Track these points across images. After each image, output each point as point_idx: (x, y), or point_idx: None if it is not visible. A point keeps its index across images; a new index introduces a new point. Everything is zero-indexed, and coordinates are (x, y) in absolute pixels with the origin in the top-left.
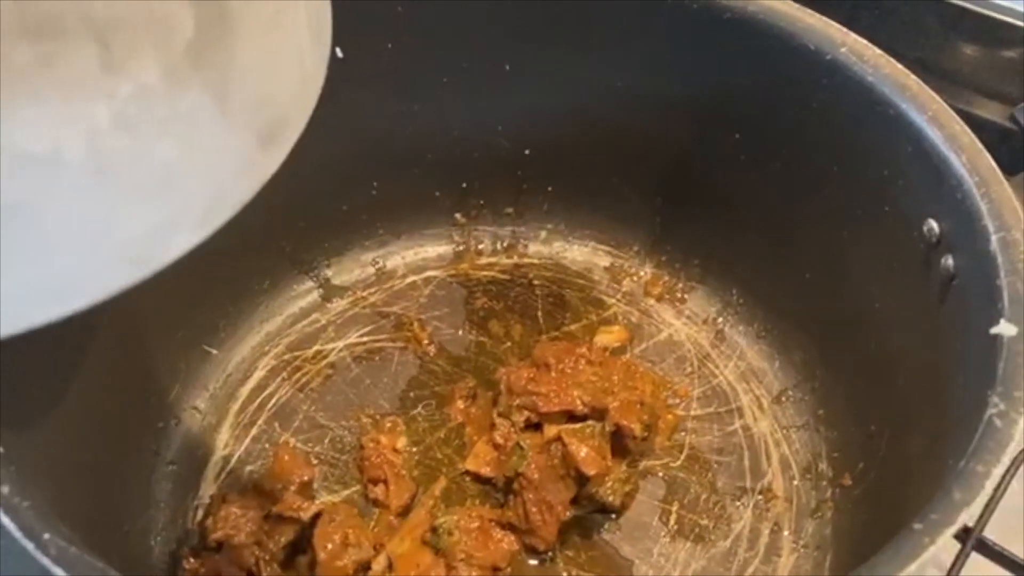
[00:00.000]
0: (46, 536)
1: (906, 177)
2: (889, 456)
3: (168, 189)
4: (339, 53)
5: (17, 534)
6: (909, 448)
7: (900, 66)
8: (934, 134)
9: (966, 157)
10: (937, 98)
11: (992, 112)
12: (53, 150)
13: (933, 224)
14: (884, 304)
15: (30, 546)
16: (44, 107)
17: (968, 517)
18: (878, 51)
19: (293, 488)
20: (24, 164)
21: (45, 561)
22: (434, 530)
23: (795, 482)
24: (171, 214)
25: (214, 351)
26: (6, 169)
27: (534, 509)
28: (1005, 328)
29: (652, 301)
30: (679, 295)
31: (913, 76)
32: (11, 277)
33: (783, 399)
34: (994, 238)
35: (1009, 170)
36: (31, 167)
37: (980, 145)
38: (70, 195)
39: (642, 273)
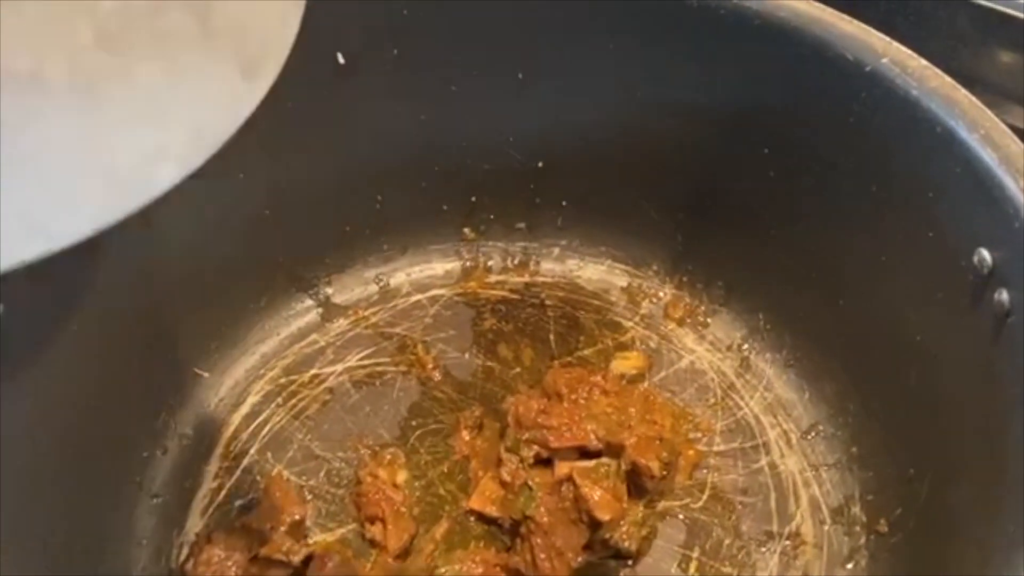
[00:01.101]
0: None
1: (954, 201)
2: (931, 503)
3: (153, 116)
4: (340, 59)
5: None
6: (955, 497)
7: (948, 79)
8: (987, 155)
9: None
10: (990, 114)
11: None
12: (35, 68)
13: (985, 254)
14: (927, 337)
15: None
16: (25, 21)
17: None
18: (924, 62)
19: (284, 528)
20: (5, 82)
21: None
22: None
23: (826, 527)
24: (156, 143)
25: (205, 374)
26: None
27: (543, 555)
28: None
29: (672, 325)
30: (701, 319)
31: (963, 90)
32: None
33: (813, 434)
34: None
35: None
36: (13, 86)
37: None
38: (53, 117)
39: (662, 294)
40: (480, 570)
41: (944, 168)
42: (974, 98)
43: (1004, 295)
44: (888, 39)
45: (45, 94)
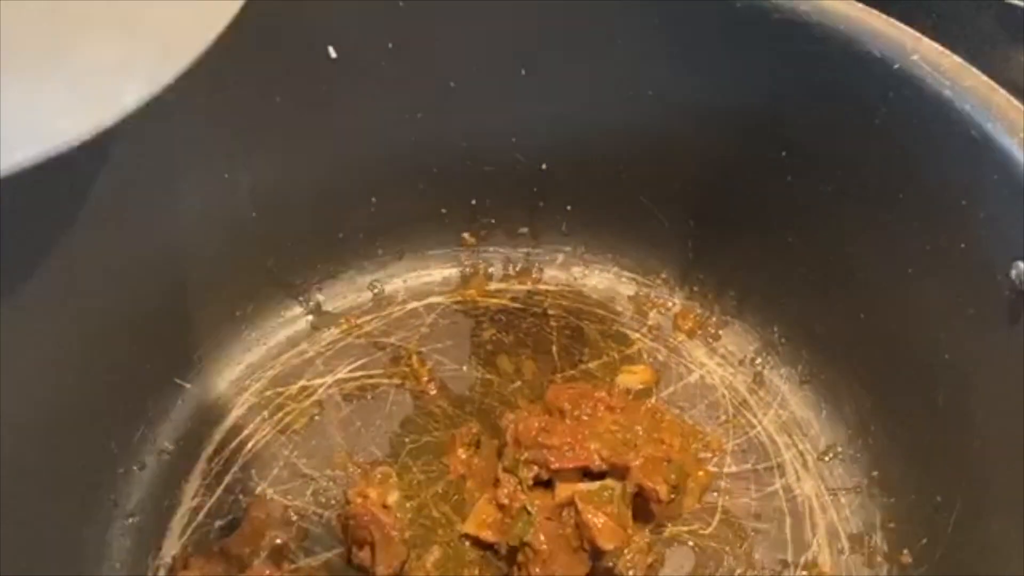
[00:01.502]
0: None
1: (990, 210)
2: (959, 534)
3: (117, 28)
4: (332, 53)
5: None
6: (987, 529)
7: (984, 78)
8: None
9: None
10: None
11: None
12: None
13: (1023, 267)
14: (956, 355)
15: None
16: None
17: None
18: (958, 60)
19: (265, 553)
20: None
21: None
22: None
23: (844, 556)
24: (122, 57)
25: (187, 385)
26: None
27: None
28: None
29: (682, 337)
30: (712, 331)
31: (1001, 91)
32: None
33: (831, 456)
34: None
35: None
36: None
37: None
38: (21, 16)
39: (671, 304)
40: None
41: (979, 174)
42: (1013, 99)
43: None
44: (919, 35)
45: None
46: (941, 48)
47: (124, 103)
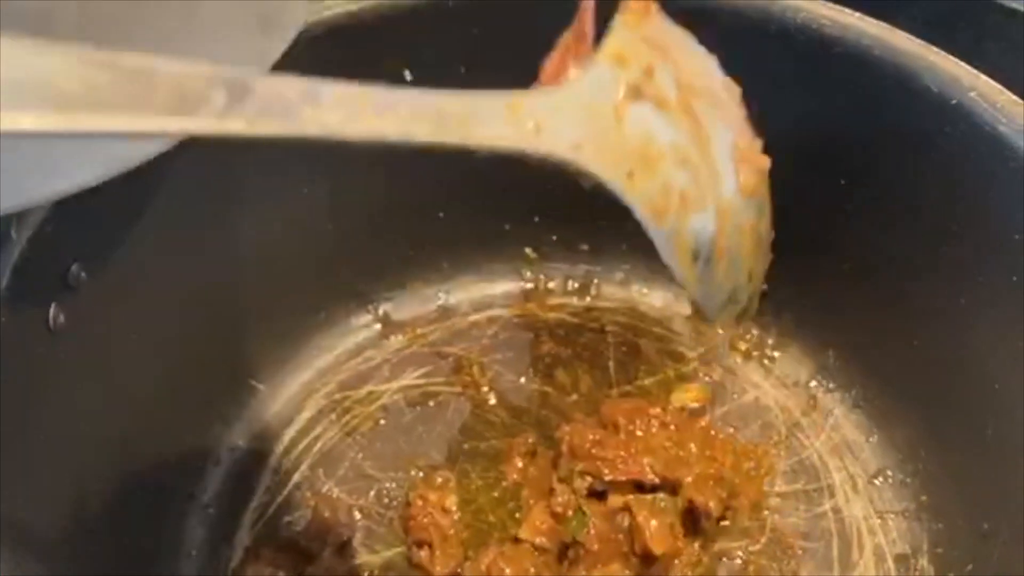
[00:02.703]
0: None
1: None
2: (1007, 561)
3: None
4: (408, 76)
5: None
6: None
7: None
8: None
9: None
10: None
11: None
12: (45, 9)
13: None
14: (1007, 385)
15: None
16: None
17: None
18: (1013, 97)
19: (330, 548)
20: (12, 20)
21: None
22: None
23: None
24: None
25: (261, 386)
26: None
27: None
28: None
29: (738, 358)
30: (768, 353)
31: None
32: (10, 148)
33: (881, 480)
34: None
35: None
36: (20, 24)
37: None
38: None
39: (728, 326)
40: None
41: None
42: None
43: None
44: (976, 72)
45: (51, 36)
46: (997, 85)
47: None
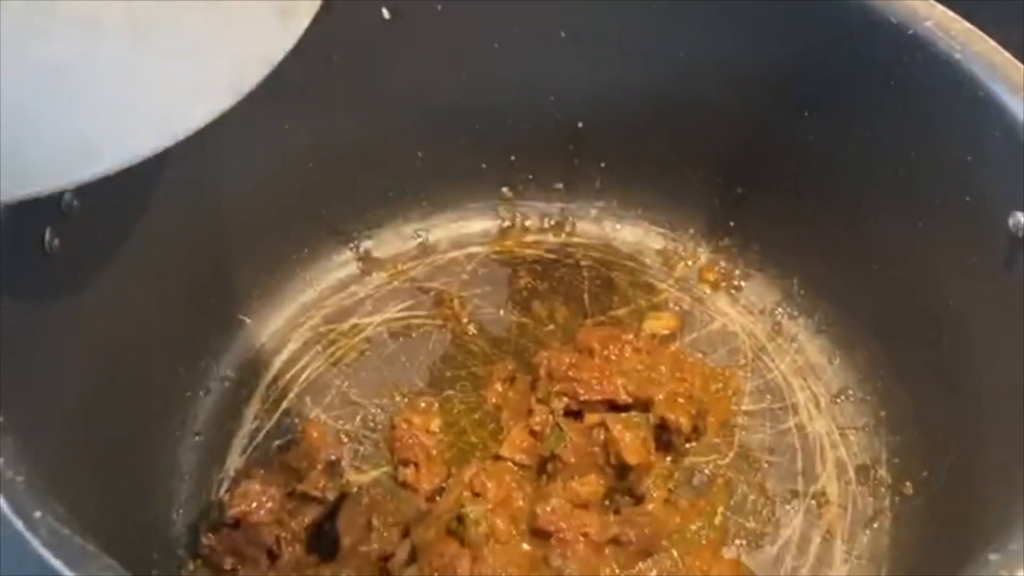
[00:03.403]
0: (37, 514)
1: (992, 165)
2: (957, 468)
3: (195, 57)
4: (386, 14)
5: (6, 511)
6: (982, 461)
7: (992, 42)
8: None
9: None
10: None
11: None
12: (93, 11)
13: (1020, 217)
14: (960, 303)
15: (19, 524)
16: None
17: None
18: (968, 25)
19: (320, 467)
20: (68, 27)
21: (34, 542)
22: (460, 519)
23: (851, 487)
24: (197, 81)
25: (247, 320)
26: (50, 28)
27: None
28: None
29: (707, 288)
30: (736, 283)
31: (1007, 54)
32: (50, 135)
33: (842, 398)
34: None
35: None
36: (74, 30)
37: None
38: (107, 57)
39: (697, 258)
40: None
41: (984, 132)
42: (1017, 62)
43: None
44: (932, 2)
45: (101, 36)
46: (953, 15)
47: (196, 121)
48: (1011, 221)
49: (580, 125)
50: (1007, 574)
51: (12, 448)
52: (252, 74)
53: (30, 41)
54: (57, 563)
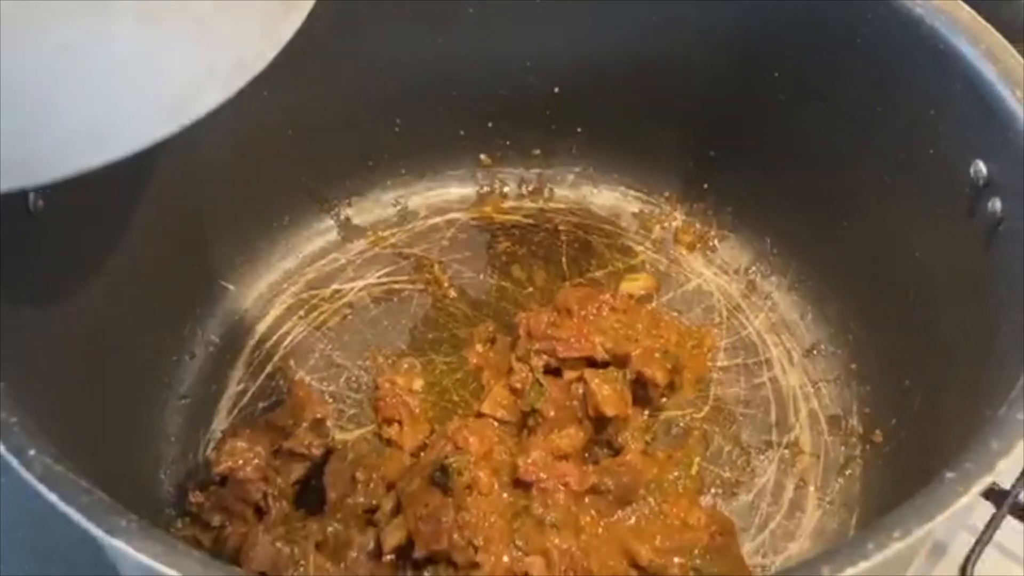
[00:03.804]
0: (31, 452)
1: (954, 116)
2: (923, 412)
3: (201, 42)
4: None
5: (3, 451)
6: (944, 404)
7: None
8: (987, 69)
9: (1021, 93)
10: (992, 30)
11: None
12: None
13: (981, 166)
14: (925, 252)
15: (14, 462)
16: None
17: (1007, 479)
18: None
19: (306, 425)
20: (77, 11)
21: (30, 479)
22: (444, 470)
23: (823, 437)
24: (204, 68)
25: (231, 287)
26: (62, 8)
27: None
28: None
29: (682, 250)
30: (710, 243)
31: (967, 8)
32: (60, 120)
33: (815, 352)
34: None
35: None
36: (83, 10)
37: None
38: (116, 41)
39: (673, 220)
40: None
41: (946, 84)
42: (977, 15)
43: (997, 204)
44: None
45: (111, 19)
46: None
47: (204, 106)
48: (972, 170)
49: (556, 91)
50: (963, 490)
51: (7, 396)
52: (258, 59)
53: (38, 25)
54: (52, 496)
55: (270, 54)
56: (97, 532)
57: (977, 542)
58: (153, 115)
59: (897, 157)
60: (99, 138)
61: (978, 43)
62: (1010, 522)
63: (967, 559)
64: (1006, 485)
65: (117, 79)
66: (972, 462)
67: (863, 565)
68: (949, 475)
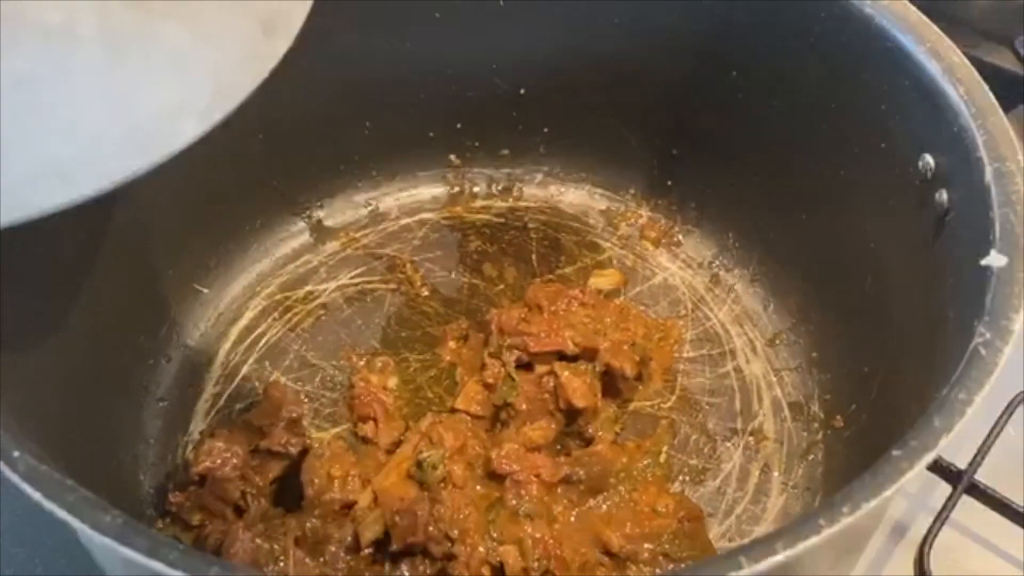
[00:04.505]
0: (15, 454)
1: (904, 111)
2: (881, 397)
3: (176, 72)
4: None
5: None
6: (901, 388)
7: None
8: (932, 66)
9: (964, 89)
10: (936, 30)
11: (1000, 58)
12: (66, 22)
13: (929, 159)
14: (880, 243)
15: None
16: None
17: (962, 460)
18: None
19: (282, 424)
20: (38, 34)
21: (14, 478)
22: (419, 464)
23: (786, 424)
24: (179, 99)
25: (205, 290)
26: (20, 37)
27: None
28: (995, 259)
29: (648, 245)
30: (675, 239)
31: (914, 8)
32: (20, 157)
33: (777, 342)
34: (989, 169)
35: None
36: (45, 38)
37: (979, 77)
38: (82, 71)
39: (639, 217)
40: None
41: (895, 81)
42: (923, 15)
43: (944, 195)
44: None
45: (75, 48)
46: None
47: (179, 141)
48: (921, 163)
49: (522, 92)
50: (907, 466)
51: None
52: (239, 89)
53: None
54: (37, 495)
55: (252, 85)
56: (82, 528)
57: (935, 520)
58: (123, 150)
59: (852, 151)
60: (61, 176)
61: (924, 41)
62: (967, 501)
63: (924, 539)
64: (962, 465)
65: (82, 111)
66: (916, 439)
67: (814, 540)
68: (895, 452)
